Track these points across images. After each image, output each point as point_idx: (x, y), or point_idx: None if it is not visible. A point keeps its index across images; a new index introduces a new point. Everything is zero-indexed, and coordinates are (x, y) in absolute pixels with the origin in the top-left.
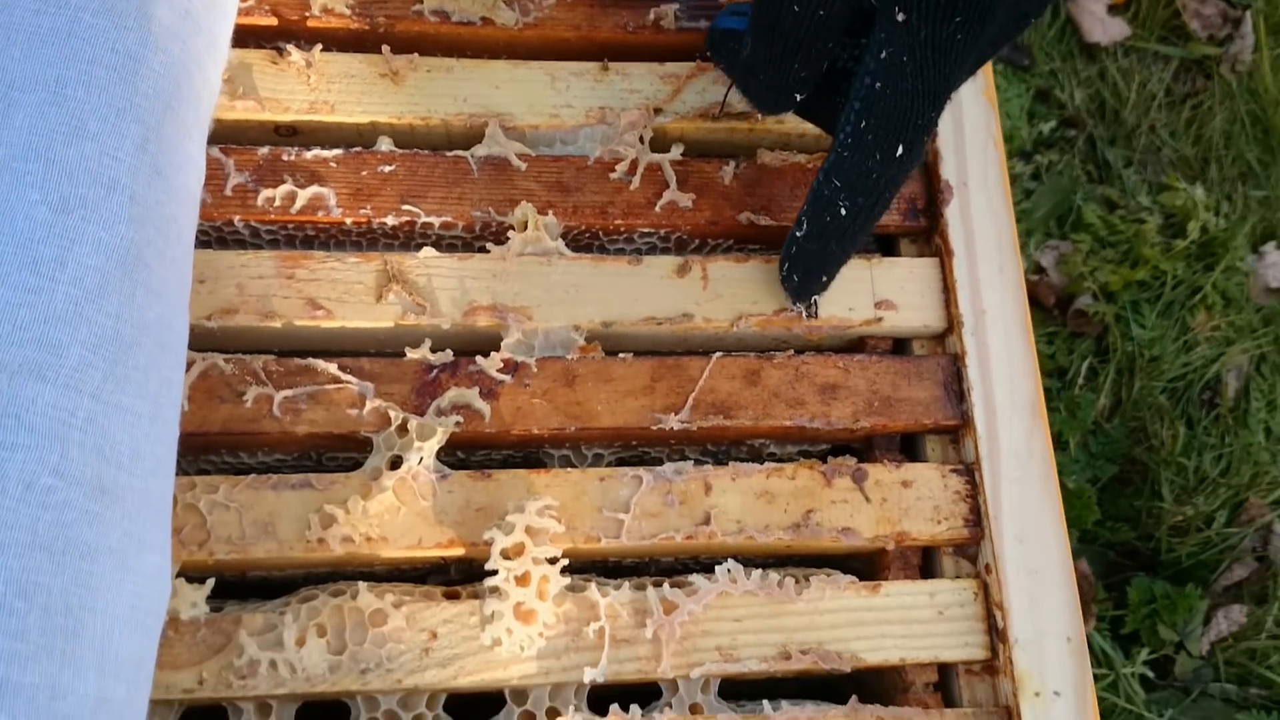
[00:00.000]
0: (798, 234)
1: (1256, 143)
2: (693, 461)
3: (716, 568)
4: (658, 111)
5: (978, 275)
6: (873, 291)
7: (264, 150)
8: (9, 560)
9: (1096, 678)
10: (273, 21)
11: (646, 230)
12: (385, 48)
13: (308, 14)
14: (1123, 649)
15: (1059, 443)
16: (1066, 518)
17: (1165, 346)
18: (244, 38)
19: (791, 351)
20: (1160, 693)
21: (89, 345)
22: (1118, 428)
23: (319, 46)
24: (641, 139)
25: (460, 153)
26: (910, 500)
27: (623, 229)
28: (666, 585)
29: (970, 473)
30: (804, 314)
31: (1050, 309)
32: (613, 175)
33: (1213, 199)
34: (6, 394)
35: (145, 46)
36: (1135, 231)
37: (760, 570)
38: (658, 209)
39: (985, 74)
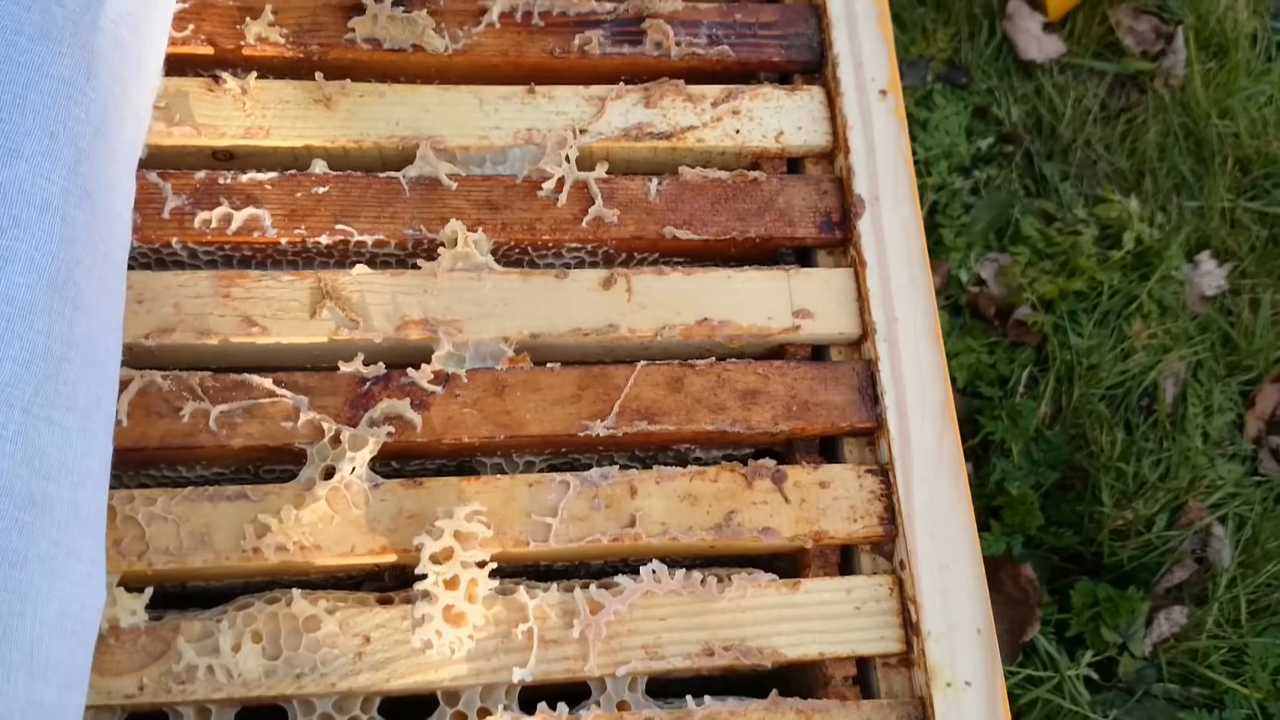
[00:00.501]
0: None
1: (1189, 155)
2: (619, 466)
3: (641, 569)
4: (583, 132)
5: (889, 284)
6: (790, 301)
7: (201, 174)
8: None
9: (1041, 680)
10: (209, 50)
11: (573, 245)
12: (319, 74)
13: (243, 43)
14: (1068, 652)
15: (1002, 450)
16: (1010, 523)
17: (1103, 355)
18: (181, 66)
19: (713, 359)
20: (1105, 694)
21: (20, 361)
22: (1059, 435)
23: (254, 74)
24: (568, 158)
25: (392, 174)
26: (828, 500)
27: (550, 244)
28: (593, 586)
29: (885, 473)
30: None
31: (991, 320)
32: (540, 193)
33: (1147, 210)
34: None
35: (79, 72)
36: (1072, 243)
37: (684, 570)
38: (584, 225)
39: (895, 95)
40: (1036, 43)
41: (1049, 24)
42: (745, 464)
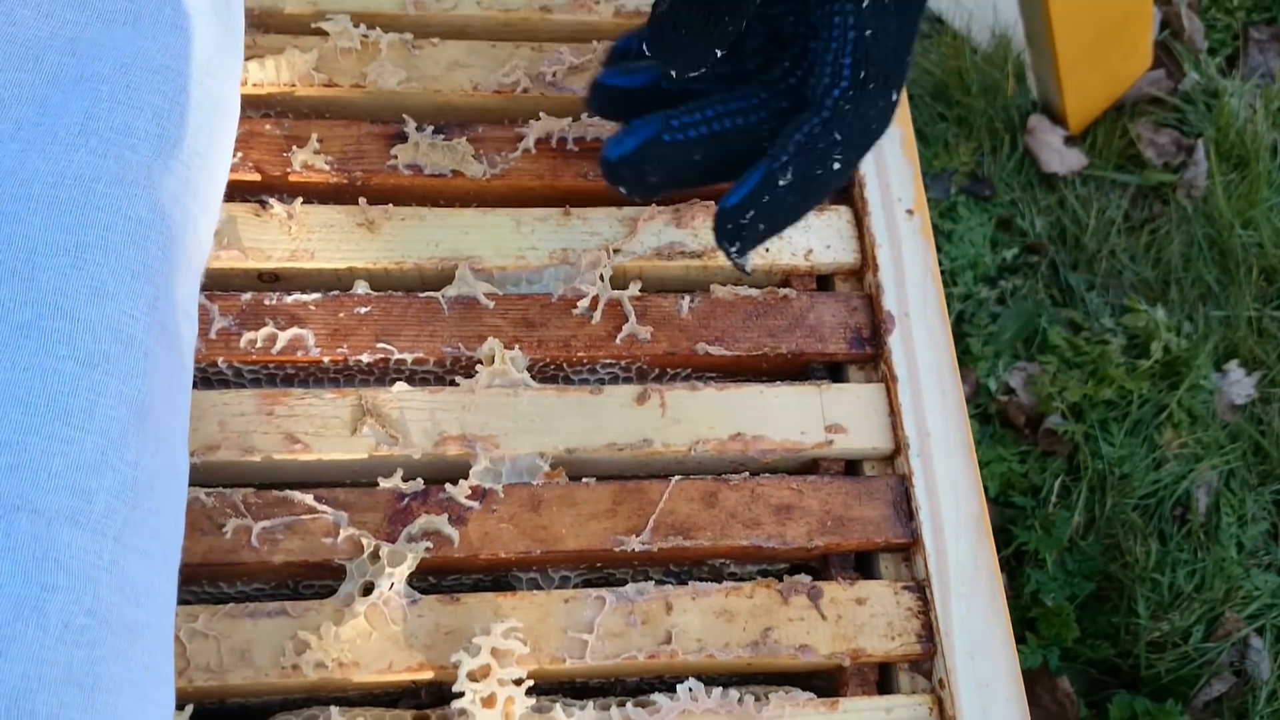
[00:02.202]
0: (780, 183)
1: (1214, 264)
2: (654, 582)
3: (678, 686)
4: (616, 251)
5: (921, 400)
6: (823, 416)
7: (247, 296)
8: (49, 697)
9: None
10: (256, 177)
11: (608, 361)
12: (362, 199)
13: (289, 170)
14: None
15: (1036, 560)
16: (1046, 636)
17: (1135, 464)
18: (229, 193)
19: (747, 474)
20: None
21: (113, 492)
22: (1093, 545)
23: (300, 199)
24: (602, 277)
25: (432, 293)
26: (865, 617)
27: (585, 361)
28: (630, 705)
29: (921, 589)
30: (743, 267)
31: (1021, 428)
32: (575, 311)
33: (1174, 320)
34: (45, 539)
35: (153, 212)
36: (1100, 352)
37: (721, 688)
38: (618, 341)
39: (921, 214)
40: (1059, 156)
41: (1070, 137)
42: (781, 579)
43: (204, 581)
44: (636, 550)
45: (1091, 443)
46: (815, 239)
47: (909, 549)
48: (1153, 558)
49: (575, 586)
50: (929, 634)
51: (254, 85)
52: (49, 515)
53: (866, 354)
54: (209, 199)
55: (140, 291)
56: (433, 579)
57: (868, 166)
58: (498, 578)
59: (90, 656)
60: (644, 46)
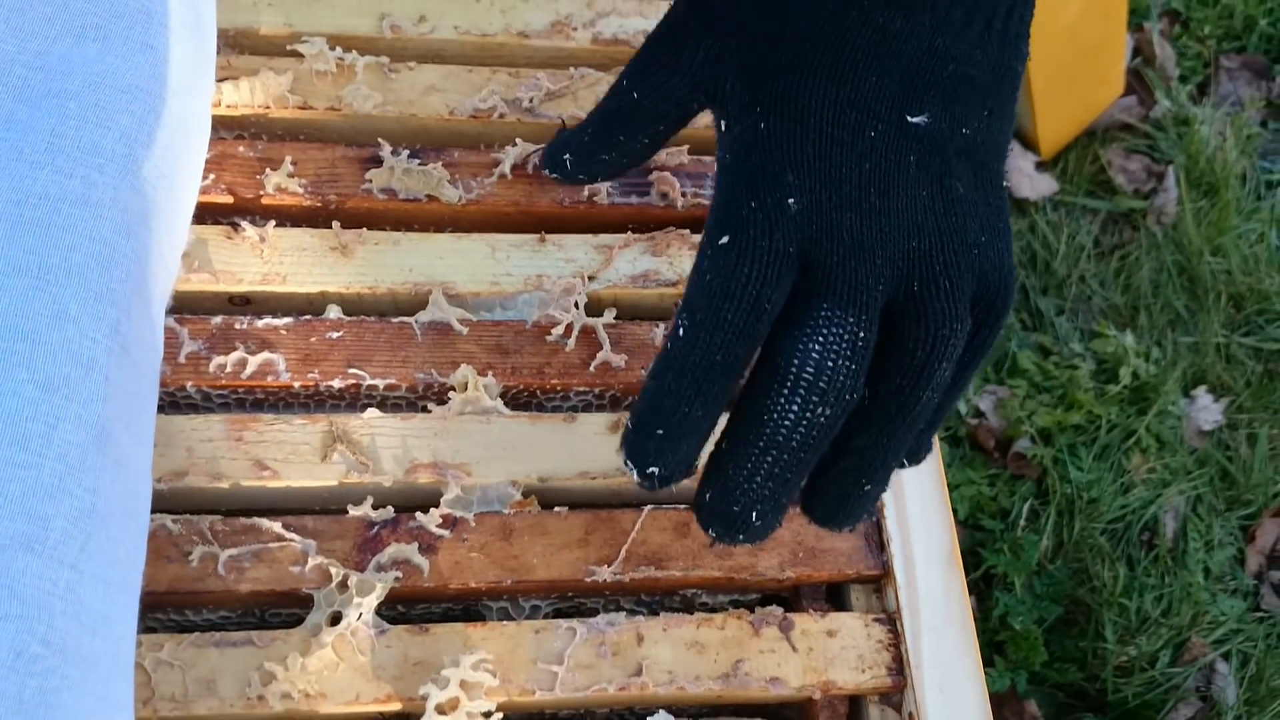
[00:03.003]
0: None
1: (1183, 291)
2: (625, 612)
3: (649, 718)
4: (591, 279)
5: None
6: None
7: (217, 319)
8: None
9: None
10: (229, 199)
11: (581, 389)
12: (335, 223)
13: (262, 193)
14: None
15: (1004, 584)
16: (1014, 659)
17: (1103, 488)
18: (200, 215)
19: None
20: None
21: (70, 518)
22: (1061, 569)
23: (272, 222)
24: (576, 304)
25: (405, 319)
26: (835, 649)
27: (559, 388)
28: None
29: (892, 621)
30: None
31: (991, 451)
32: (549, 338)
33: (1143, 346)
34: (0, 565)
35: (119, 234)
36: (1069, 377)
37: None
38: (592, 369)
39: None
40: (1029, 181)
41: (1041, 163)
42: (752, 610)
43: (169, 609)
44: (608, 580)
45: (1060, 467)
46: None
47: (880, 580)
48: (1120, 582)
49: (546, 616)
50: (899, 666)
51: (228, 106)
52: (2, 542)
53: None
54: (176, 221)
55: (103, 314)
56: (401, 608)
57: None
58: (467, 607)
59: (43, 686)
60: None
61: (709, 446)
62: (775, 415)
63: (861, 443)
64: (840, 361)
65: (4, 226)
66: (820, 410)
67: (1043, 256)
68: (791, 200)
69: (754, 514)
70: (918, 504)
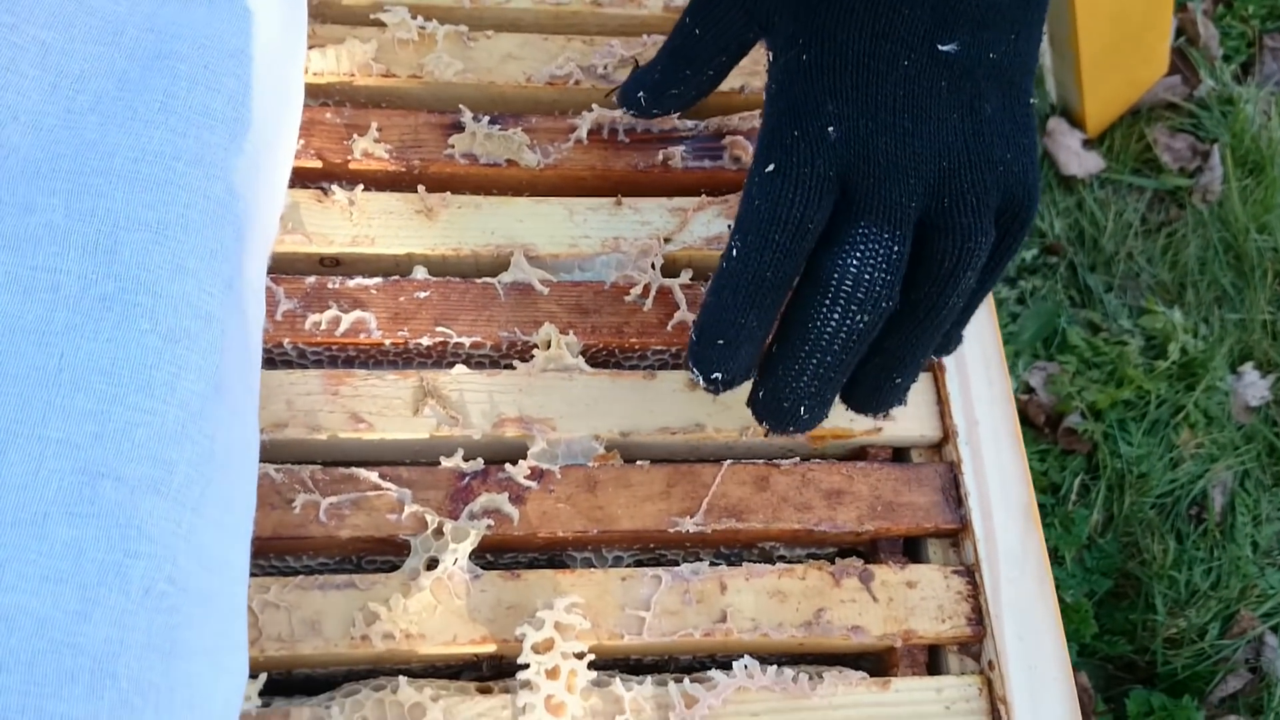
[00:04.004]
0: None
1: (1230, 268)
2: (708, 562)
3: (734, 664)
4: (667, 240)
5: (969, 389)
6: None
7: (311, 279)
8: (130, 660)
9: None
10: (318, 164)
11: (659, 348)
12: (420, 187)
13: (350, 158)
14: None
15: (1055, 557)
16: (1065, 632)
17: (1153, 463)
18: (292, 179)
19: (797, 459)
20: None
21: (192, 463)
22: (1111, 543)
23: (360, 186)
24: (653, 265)
25: (488, 280)
26: (915, 600)
27: (637, 347)
28: (687, 680)
29: (970, 574)
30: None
31: (1041, 427)
32: (627, 299)
33: (1190, 322)
34: (129, 506)
35: (229, 194)
36: (1118, 353)
37: (775, 666)
38: (669, 328)
39: None
40: (1077, 158)
41: (1088, 140)
42: (832, 562)
43: (271, 555)
44: (690, 531)
45: (1110, 442)
46: None
47: (957, 534)
48: (1170, 556)
49: (627, 565)
50: (979, 617)
51: (314, 74)
52: (132, 483)
53: None
54: (276, 184)
55: (218, 270)
56: (490, 556)
57: None
58: (553, 556)
59: (169, 623)
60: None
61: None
62: (819, 323)
63: (894, 343)
64: (876, 274)
65: (122, 182)
66: (859, 318)
67: (1090, 233)
68: (831, 129)
69: (802, 408)
70: (994, 459)
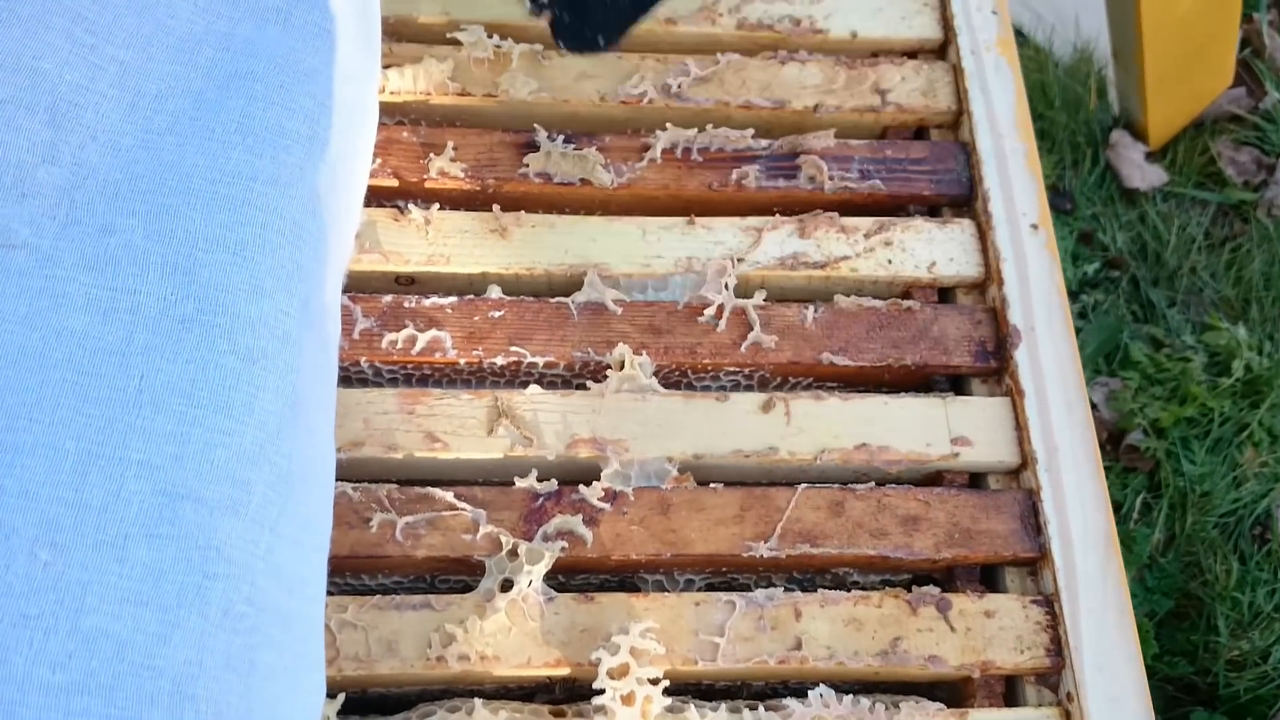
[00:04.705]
0: None
1: None
2: (781, 588)
3: (809, 692)
4: (740, 261)
5: (1049, 414)
6: (949, 428)
7: (387, 298)
8: (209, 683)
9: None
10: (394, 183)
11: (732, 369)
12: (495, 206)
13: (426, 177)
14: None
15: None
16: None
17: (1216, 482)
18: (368, 198)
19: (872, 484)
20: None
21: (270, 483)
22: (1172, 562)
23: (436, 205)
24: (726, 285)
25: (562, 299)
26: (993, 630)
27: (710, 368)
28: (762, 708)
29: (1050, 604)
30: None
31: (1103, 444)
32: (701, 319)
33: (1255, 339)
34: (208, 528)
35: (306, 213)
36: (1182, 369)
37: (851, 695)
38: (743, 349)
39: (1046, 229)
40: (1140, 171)
41: (1151, 153)
42: (907, 590)
43: (348, 574)
44: (765, 556)
45: (1173, 460)
46: (939, 251)
47: (1036, 563)
48: (1233, 576)
49: (698, 589)
50: (1058, 648)
51: (390, 93)
52: (211, 505)
53: (991, 367)
54: (352, 202)
55: (295, 290)
56: (562, 578)
57: (991, 181)
58: (624, 579)
59: (248, 644)
60: None
61: None
62: None
63: None
64: None
65: (201, 202)
66: None
67: (1153, 247)
68: None
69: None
70: (1074, 487)
